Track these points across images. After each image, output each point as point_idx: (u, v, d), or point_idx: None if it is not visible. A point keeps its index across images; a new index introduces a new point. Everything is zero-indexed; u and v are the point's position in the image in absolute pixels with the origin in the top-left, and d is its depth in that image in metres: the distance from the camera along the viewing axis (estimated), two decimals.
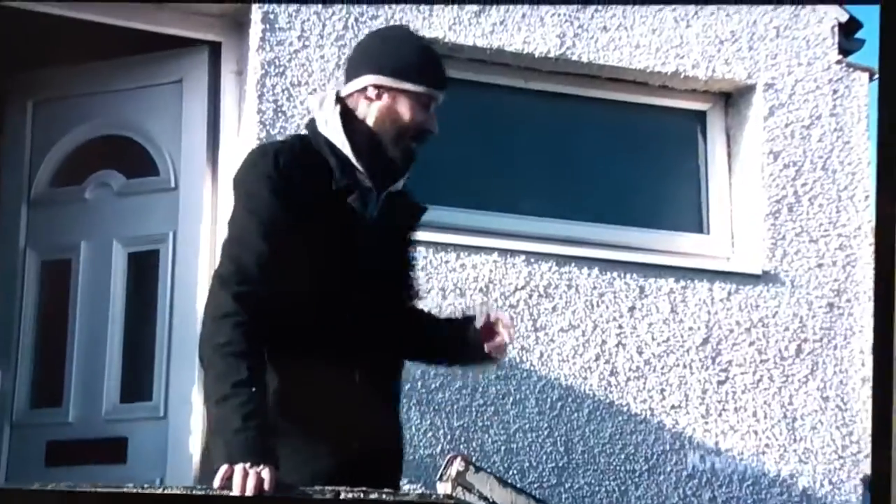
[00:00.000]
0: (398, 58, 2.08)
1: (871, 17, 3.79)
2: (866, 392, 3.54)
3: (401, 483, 2.19)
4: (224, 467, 1.75)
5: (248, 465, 1.75)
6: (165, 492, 1.91)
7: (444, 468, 2.25)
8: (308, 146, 2.05)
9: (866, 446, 3.52)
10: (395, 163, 2.08)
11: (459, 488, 2.22)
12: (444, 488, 2.23)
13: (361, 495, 2.09)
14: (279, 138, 2.44)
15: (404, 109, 2.05)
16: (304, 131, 2.13)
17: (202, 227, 3.31)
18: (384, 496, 2.14)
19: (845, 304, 3.62)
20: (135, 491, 1.89)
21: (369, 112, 2.06)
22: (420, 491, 2.79)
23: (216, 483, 1.76)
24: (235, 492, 1.74)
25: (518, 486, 2.28)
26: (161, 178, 3.43)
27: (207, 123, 3.40)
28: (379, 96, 2.05)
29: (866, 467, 3.49)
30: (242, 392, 1.83)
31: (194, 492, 1.96)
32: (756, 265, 3.61)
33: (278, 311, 1.94)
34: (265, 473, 1.74)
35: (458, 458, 2.24)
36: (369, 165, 2.04)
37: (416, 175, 3.43)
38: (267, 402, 1.87)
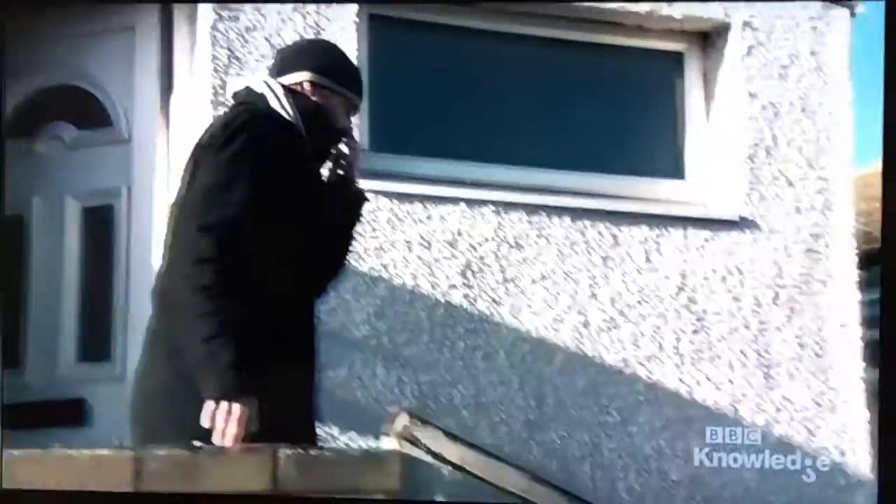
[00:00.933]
0: (333, 63, 2.34)
1: None
2: (844, 338, 3.53)
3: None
4: (212, 404, 1.93)
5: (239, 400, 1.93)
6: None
7: (389, 423, 2.20)
8: (275, 114, 2.21)
9: (843, 392, 3.52)
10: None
11: (405, 443, 2.17)
12: (389, 443, 2.19)
13: (301, 451, 2.05)
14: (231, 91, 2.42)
15: (335, 109, 2.29)
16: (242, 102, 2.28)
17: (156, 180, 3.23)
18: (326, 453, 2.10)
19: (823, 249, 3.59)
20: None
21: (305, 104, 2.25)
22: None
23: (205, 418, 1.93)
24: (225, 425, 1.94)
25: (470, 441, 2.20)
26: (114, 130, 3.34)
27: (160, 72, 3.31)
28: (313, 93, 2.26)
29: (843, 414, 3.48)
30: (230, 331, 1.95)
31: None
32: (733, 211, 3.56)
33: (255, 260, 2.06)
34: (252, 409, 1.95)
35: (403, 413, 2.20)
36: (320, 144, 2.28)
37: (381, 124, 3.41)
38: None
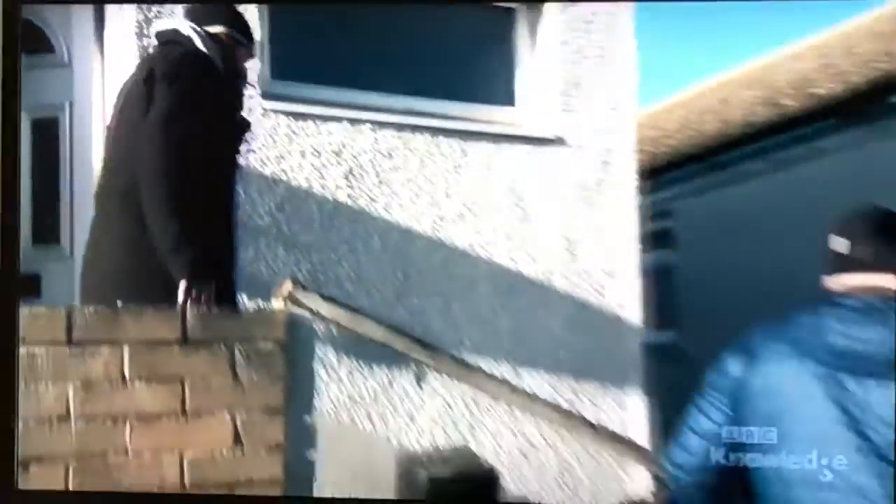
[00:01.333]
0: (241, 21, 2.37)
1: None
2: (626, 226, 3.59)
3: None
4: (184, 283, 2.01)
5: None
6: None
7: (278, 289, 2.14)
8: (204, 55, 2.20)
9: (622, 263, 3.59)
10: None
11: (289, 303, 2.11)
12: (277, 304, 2.13)
13: (205, 310, 1.97)
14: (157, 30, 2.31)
15: (240, 57, 2.34)
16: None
17: (93, 97, 3.04)
18: (225, 311, 2.02)
19: (614, 161, 3.61)
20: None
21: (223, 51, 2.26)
22: None
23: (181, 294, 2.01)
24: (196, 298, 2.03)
25: (346, 304, 2.16)
26: (56, 56, 3.10)
27: (94, 8, 3.05)
28: (227, 42, 2.28)
29: (621, 280, 3.57)
30: (190, 230, 2.05)
31: None
32: (550, 131, 3.56)
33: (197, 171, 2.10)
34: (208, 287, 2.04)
35: (289, 280, 2.13)
36: (229, 82, 2.30)
37: (279, 58, 3.27)
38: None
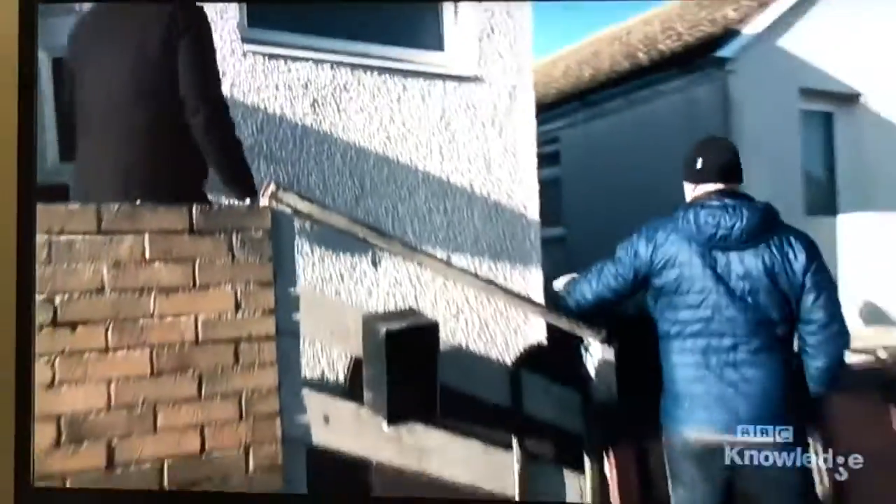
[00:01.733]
0: None
1: None
2: (525, 142, 3.55)
3: None
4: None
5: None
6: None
7: (263, 189, 2.07)
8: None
9: (523, 166, 3.56)
10: None
11: (273, 201, 2.06)
12: (263, 202, 2.06)
13: (207, 206, 1.89)
14: None
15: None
16: None
17: None
18: (224, 207, 1.94)
19: (517, 95, 3.54)
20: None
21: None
22: None
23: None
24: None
25: (318, 201, 2.11)
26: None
27: None
28: None
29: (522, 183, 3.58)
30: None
31: None
32: (471, 71, 3.46)
33: None
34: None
35: (272, 182, 2.06)
36: None
37: (257, 7, 3.06)
38: None
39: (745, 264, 1.88)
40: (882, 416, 2.42)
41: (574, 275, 2.21)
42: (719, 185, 1.98)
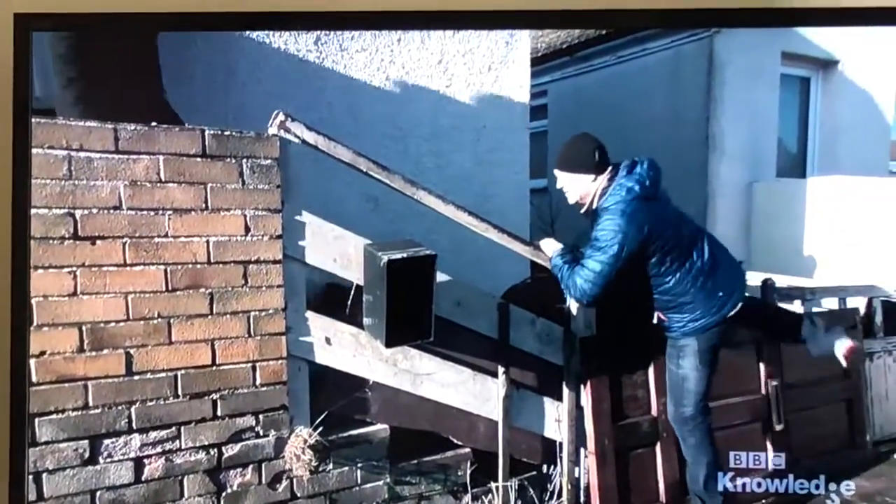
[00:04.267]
0: None
1: None
2: (523, 91, 3.51)
3: None
4: None
5: None
6: None
7: (272, 120, 2.08)
8: None
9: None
10: None
11: (282, 131, 2.07)
12: (273, 131, 2.08)
13: (219, 130, 1.90)
14: None
15: None
16: None
17: None
18: (237, 132, 1.96)
19: (515, 41, 3.53)
20: None
21: None
22: None
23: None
24: None
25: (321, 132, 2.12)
26: None
27: None
28: None
29: None
30: None
31: None
32: None
33: None
34: None
35: (281, 113, 2.07)
36: None
37: None
38: None
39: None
40: None
41: (556, 244, 2.29)
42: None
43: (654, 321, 2.37)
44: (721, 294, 2.22)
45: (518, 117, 3.60)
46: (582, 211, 2.23)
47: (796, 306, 3.27)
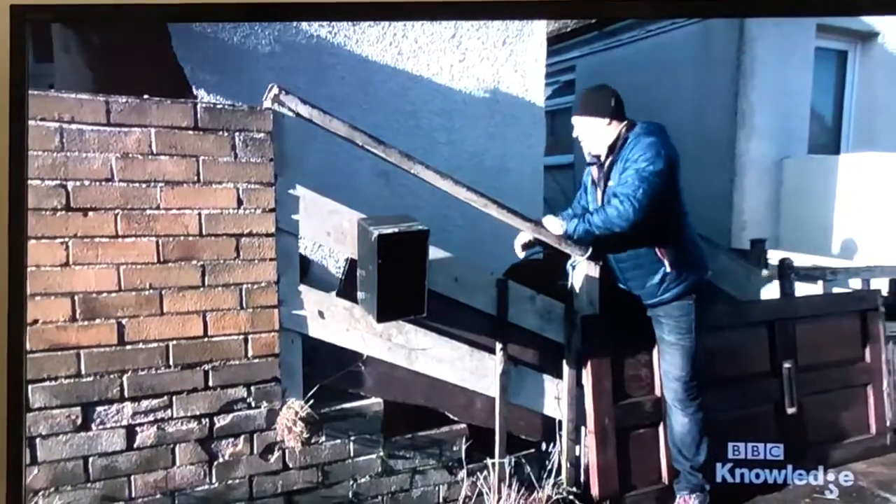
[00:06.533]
0: None
1: None
2: (539, 68, 3.39)
3: None
4: None
5: None
6: None
7: (266, 94, 2.03)
8: None
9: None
10: None
11: (276, 105, 2.02)
12: (267, 104, 2.03)
13: (211, 104, 1.86)
14: None
15: None
16: None
17: None
18: (230, 105, 1.91)
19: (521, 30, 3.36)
20: None
21: None
22: None
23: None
24: None
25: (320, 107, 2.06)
26: None
27: None
28: None
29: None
30: None
31: None
32: None
33: None
34: None
35: (275, 86, 2.02)
36: None
37: None
38: None
39: None
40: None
41: (557, 219, 2.24)
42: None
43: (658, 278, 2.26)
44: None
45: (533, 92, 3.47)
46: (591, 161, 2.26)
47: (818, 286, 3.09)
